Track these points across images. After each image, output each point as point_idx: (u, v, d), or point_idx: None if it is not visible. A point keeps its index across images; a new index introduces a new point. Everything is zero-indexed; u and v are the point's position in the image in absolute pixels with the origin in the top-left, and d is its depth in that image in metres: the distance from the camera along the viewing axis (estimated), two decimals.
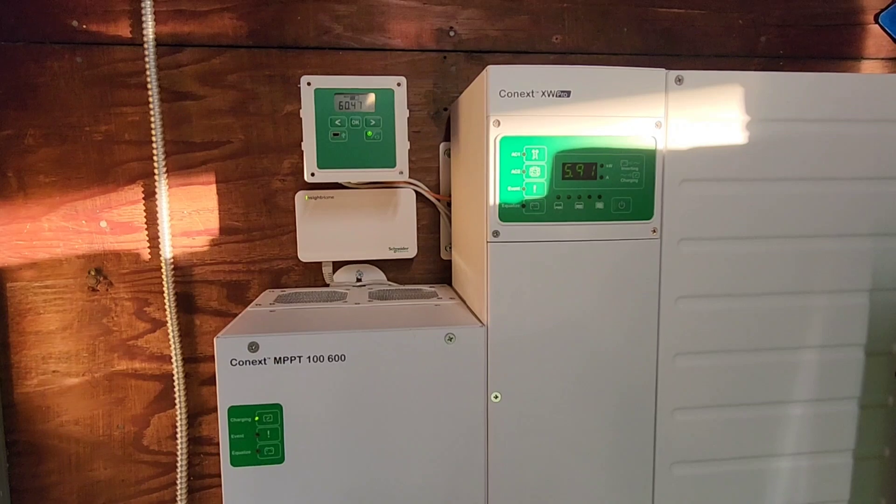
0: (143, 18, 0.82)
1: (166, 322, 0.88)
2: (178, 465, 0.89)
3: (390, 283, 0.93)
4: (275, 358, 0.63)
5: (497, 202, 0.64)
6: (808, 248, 0.69)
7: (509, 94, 0.62)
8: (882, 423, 0.73)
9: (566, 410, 0.67)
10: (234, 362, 0.62)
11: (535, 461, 0.67)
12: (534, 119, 0.63)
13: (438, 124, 0.92)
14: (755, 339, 0.70)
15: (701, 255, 0.68)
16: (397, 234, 0.89)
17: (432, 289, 0.88)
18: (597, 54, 0.93)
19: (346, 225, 0.88)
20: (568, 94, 0.63)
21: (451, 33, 0.91)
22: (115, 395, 0.89)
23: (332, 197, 0.87)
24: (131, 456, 0.90)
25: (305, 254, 0.88)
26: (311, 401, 0.63)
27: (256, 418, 0.63)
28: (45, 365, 0.88)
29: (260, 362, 0.62)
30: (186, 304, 0.90)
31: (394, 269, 0.93)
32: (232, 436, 0.63)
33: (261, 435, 0.63)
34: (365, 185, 0.88)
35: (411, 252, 0.90)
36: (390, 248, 0.89)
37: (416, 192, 0.91)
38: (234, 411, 0.63)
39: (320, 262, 0.90)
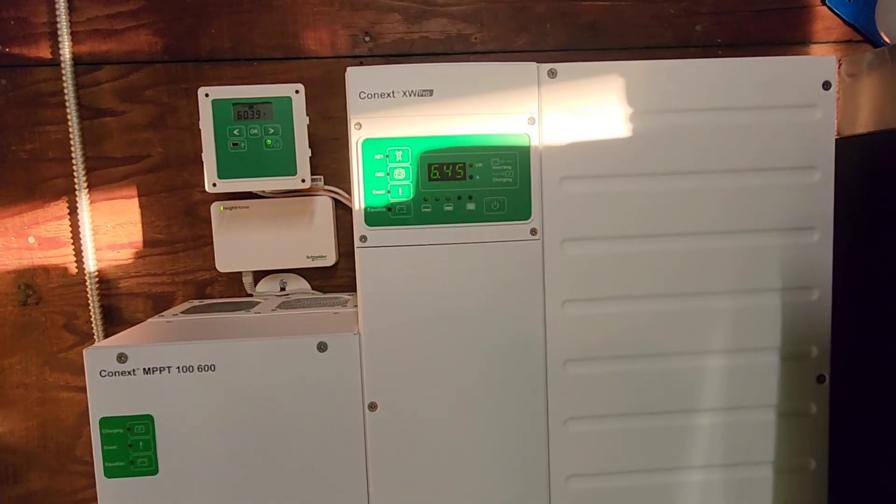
0: (60, 39, 0.85)
1: (94, 334, 0.89)
2: None
3: (314, 291, 0.92)
4: (144, 368, 0.62)
5: (363, 206, 0.62)
6: (706, 247, 0.65)
7: (369, 96, 0.61)
8: (805, 434, 0.68)
9: (450, 422, 0.65)
10: (103, 373, 0.62)
11: (418, 474, 0.65)
12: (396, 120, 0.61)
13: None
14: (653, 343, 0.65)
15: (587, 256, 0.64)
16: (315, 242, 0.88)
17: (349, 296, 0.87)
18: (519, 52, 0.91)
19: (263, 234, 0.87)
20: (430, 92, 0.61)
21: (367, 38, 0.90)
22: (47, 407, 0.91)
23: (248, 207, 0.87)
24: (65, 467, 0.92)
25: (223, 264, 0.88)
26: (182, 412, 0.63)
27: (128, 429, 0.63)
28: None
29: (129, 373, 0.62)
30: (114, 317, 0.91)
31: (318, 277, 0.92)
32: (104, 447, 0.63)
33: (133, 446, 0.63)
34: (280, 194, 0.88)
35: (330, 260, 0.89)
36: (308, 257, 0.88)
37: (337, 199, 0.90)
38: (105, 422, 0.63)
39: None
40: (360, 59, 0.90)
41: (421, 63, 0.61)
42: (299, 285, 0.92)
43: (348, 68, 0.61)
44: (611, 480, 0.67)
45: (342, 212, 0.91)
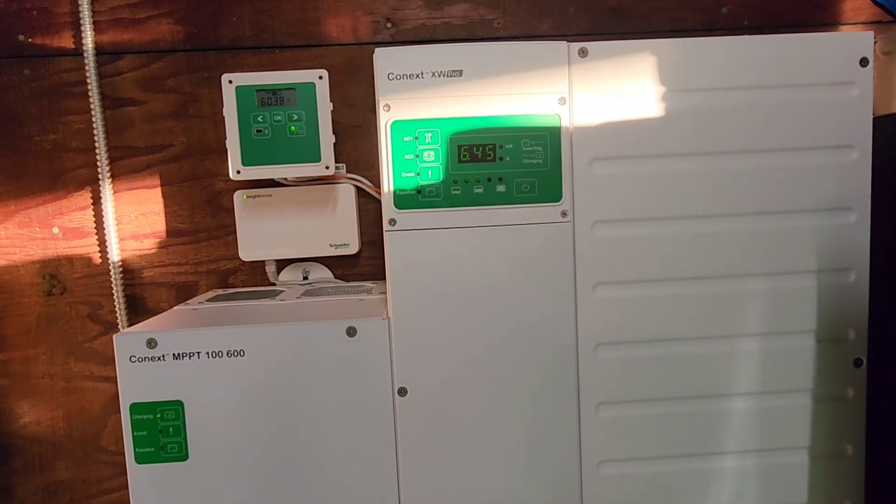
0: (83, 29, 0.85)
1: (118, 324, 0.89)
2: None
3: (337, 280, 0.92)
4: (174, 354, 0.62)
5: (392, 189, 0.61)
6: (740, 228, 0.64)
7: (398, 77, 0.60)
8: (842, 418, 0.66)
9: (480, 407, 0.64)
10: (133, 359, 0.62)
11: (448, 459, 0.64)
12: (425, 101, 0.60)
13: None
14: (686, 326, 0.64)
15: (619, 238, 0.63)
16: (337, 230, 0.88)
17: (374, 284, 0.86)
18: (542, 37, 0.90)
19: (286, 223, 0.87)
20: (460, 73, 0.60)
21: (388, 25, 0.89)
22: (73, 397, 0.92)
23: (271, 195, 0.87)
24: (91, 456, 0.92)
25: (246, 253, 0.88)
26: (212, 397, 0.63)
27: (158, 415, 0.63)
28: (7, 368, 0.91)
29: (159, 358, 0.62)
30: (138, 306, 0.91)
31: (341, 265, 0.92)
32: (135, 433, 0.63)
33: (163, 432, 0.63)
34: (303, 182, 0.87)
35: (353, 248, 0.88)
36: (331, 245, 0.88)
37: (359, 187, 0.89)
38: (135, 408, 0.63)
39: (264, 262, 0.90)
40: (382, 46, 0.89)
41: None
42: (322, 274, 0.92)
43: (376, 49, 0.60)
44: (643, 466, 0.66)
45: (364, 200, 0.91)
